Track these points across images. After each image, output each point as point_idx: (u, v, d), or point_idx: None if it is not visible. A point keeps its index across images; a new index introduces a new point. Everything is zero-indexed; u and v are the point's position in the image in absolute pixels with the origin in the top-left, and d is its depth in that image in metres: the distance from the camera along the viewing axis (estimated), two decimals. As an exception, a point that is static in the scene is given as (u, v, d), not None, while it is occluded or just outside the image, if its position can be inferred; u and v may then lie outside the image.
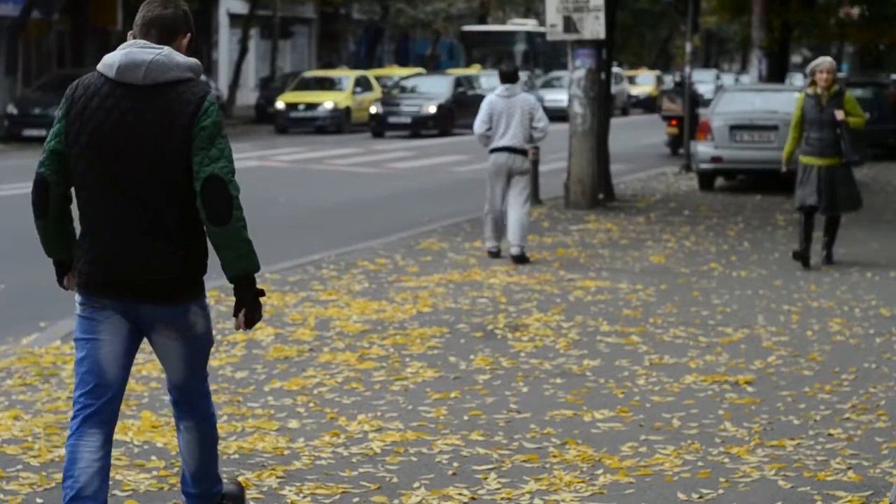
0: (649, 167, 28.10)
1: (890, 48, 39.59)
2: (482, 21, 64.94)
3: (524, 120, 14.12)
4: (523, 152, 14.25)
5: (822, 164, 13.56)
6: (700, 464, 6.93)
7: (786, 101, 22.88)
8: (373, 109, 39.45)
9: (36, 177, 5.35)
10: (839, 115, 13.44)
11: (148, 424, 7.53)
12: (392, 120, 39.40)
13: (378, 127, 39.27)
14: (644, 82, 63.95)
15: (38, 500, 6.26)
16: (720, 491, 6.48)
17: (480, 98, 41.09)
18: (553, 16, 19.37)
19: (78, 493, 5.31)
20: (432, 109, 39.40)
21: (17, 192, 22.12)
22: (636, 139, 37.14)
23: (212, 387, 8.44)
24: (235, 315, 5.40)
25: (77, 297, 5.42)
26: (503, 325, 10.62)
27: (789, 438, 7.38)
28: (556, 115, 45.43)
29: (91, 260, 5.31)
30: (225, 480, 6.04)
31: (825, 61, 13.63)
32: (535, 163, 20.51)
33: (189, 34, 5.46)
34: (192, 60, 5.39)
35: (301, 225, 18.18)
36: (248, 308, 5.35)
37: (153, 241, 5.24)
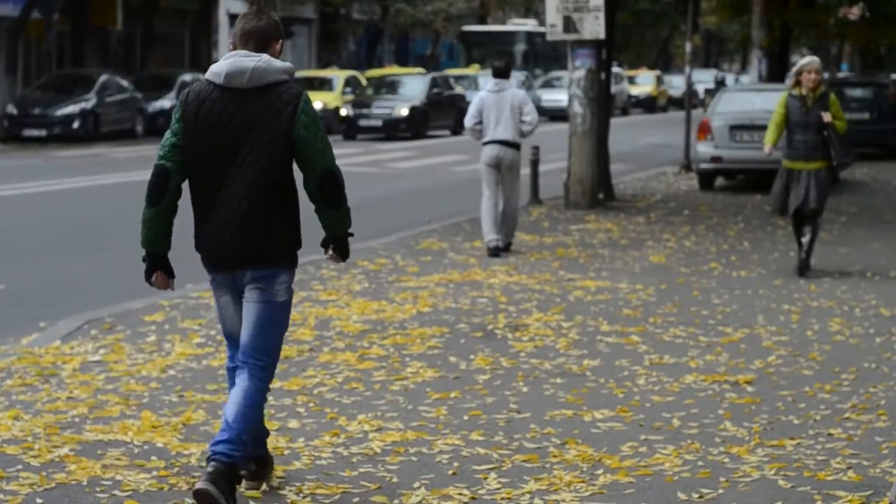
0: (649, 167, 28.10)
1: (890, 48, 39.61)
2: (482, 21, 64.94)
3: (514, 114, 14.54)
4: (514, 145, 14.65)
5: (808, 168, 13.10)
6: (700, 463, 6.93)
7: (786, 101, 22.90)
8: (343, 111, 38.15)
9: (156, 168, 6.13)
10: (826, 117, 12.99)
11: (148, 425, 7.53)
12: (363, 123, 37.92)
13: (349, 130, 37.94)
14: (644, 82, 63.94)
15: (38, 501, 6.26)
16: (720, 491, 6.48)
17: (457, 99, 40.22)
18: (553, 16, 19.37)
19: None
20: (404, 111, 37.87)
21: (18, 192, 22.12)
22: (636, 139, 37.15)
23: (211, 387, 8.47)
24: (326, 248, 6.42)
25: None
26: (503, 324, 10.62)
27: (789, 438, 7.38)
28: (556, 114, 45.45)
29: (207, 240, 6.20)
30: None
31: (813, 61, 13.13)
32: (535, 162, 20.57)
33: (280, 40, 6.27)
34: (287, 65, 6.20)
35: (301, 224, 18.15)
36: (343, 251, 6.42)
37: (257, 219, 6.12)
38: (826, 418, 7.85)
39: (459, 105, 38.28)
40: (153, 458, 6.93)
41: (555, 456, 7.04)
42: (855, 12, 33.40)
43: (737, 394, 8.45)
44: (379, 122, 37.62)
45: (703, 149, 22.61)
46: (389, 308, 11.28)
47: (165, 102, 37.71)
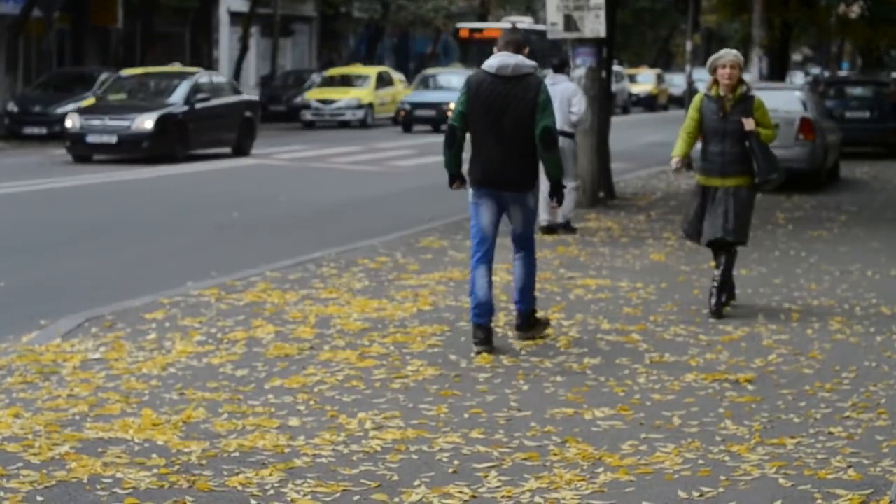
0: (650, 165, 28.09)
1: (890, 47, 39.61)
2: (482, 19, 64.81)
3: (563, 105, 16.13)
4: (564, 133, 16.00)
5: (726, 184, 11.00)
6: (700, 462, 6.93)
7: (786, 99, 22.90)
8: (68, 123, 28.61)
9: (449, 127, 9.64)
10: (748, 124, 10.84)
11: (148, 422, 7.53)
12: (92, 139, 28.07)
13: (74, 148, 28.34)
14: (644, 81, 63.96)
15: (39, 498, 6.26)
16: (720, 489, 6.48)
17: (240, 107, 31.83)
18: (554, 14, 19.35)
19: (479, 301, 9.57)
20: (148, 125, 28.28)
21: (19, 190, 22.12)
22: (637, 138, 37.14)
23: (211, 385, 8.48)
24: (552, 198, 9.83)
25: (470, 192, 9.68)
26: (503, 323, 10.62)
27: (790, 437, 7.38)
28: None
29: (478, 169, 9.64)
30: (539, 314, 10.14)
31: (728, 54, 10.92)
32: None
33: (527, 48, 9.77)
34: (533, 63, 9.66)
35: (302, 223, 18.18)
36: (559, 196, 9.78)
37: (513, 158, 9.57)
38: (826, 417, 7.85)
39: (244, 114, 31.23)
40: (153, 455, 6.93)
41: (555, 454, 7.04)
42: (855, 11, 33.41)
43: (737, 392, 8.45)
44: (113, 139, 28.14)
45: (704, 148, 22.55)
46: (390, 306, 11.28)
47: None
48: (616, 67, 45.27)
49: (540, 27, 53.75)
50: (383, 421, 7.69)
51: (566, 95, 16.33)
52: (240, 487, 6.45)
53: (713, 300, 10.97)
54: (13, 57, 38.23)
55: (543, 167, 9.59)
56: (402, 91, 45.51)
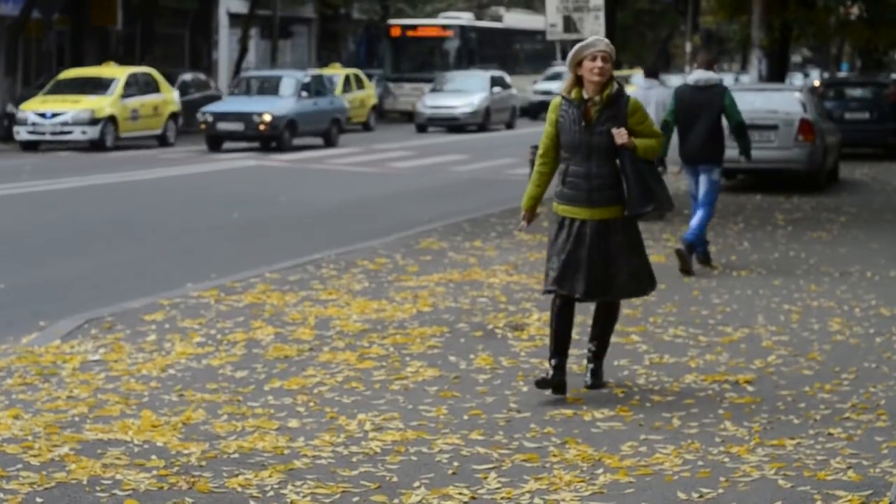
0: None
1: (889, 48, 39.60)
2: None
3: (658, 108, 17.87)
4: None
5: (594, 218, 8.24)
6: (700, 463, 6.93)
7: (786, 100, 22.90)
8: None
9: (663, 122, 13.55)
10: (620, 136, 8.15)
11: (148, 424, 7.53)
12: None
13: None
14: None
15: (38, 500, 6.26)
16: (720, 490, 6.48)
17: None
18: (553, 15, 19.36)
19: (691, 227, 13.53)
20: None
21: (18, 191, 22.12)
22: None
23: (211, 385, 8.47)
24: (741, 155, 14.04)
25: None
26: (503, 324, 10.62)
27: (789, 438, 7.38)
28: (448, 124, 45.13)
29: (685, 151, 13.69)
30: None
31: (600, 41, 8.25)
32: (534, 162, 20.57)
33: (714, 65, 13.80)
34: (720, 76, 13.33)
35: (301, 224, 18.18)
36: (747, 155, 14.04)
37: (707, 142, 13.54)
38: (826, 418, 7.85)
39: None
40: (153, 457, 6.93)
41: (555, 455, 7.04)
42: (854, 12, 33.41)
43: (737, 393, 8.45)
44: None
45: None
46: (389, 307, 11.28)
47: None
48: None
49: (481, 24, 52.66)
50: (383, 422, 7.69)
51: (661, 99, 18.17)
52: (239, 489, 6.45)
53: (588, 375, 8.56)
54: (13, 58, 38.21)
55: (739, 147, 13.85)
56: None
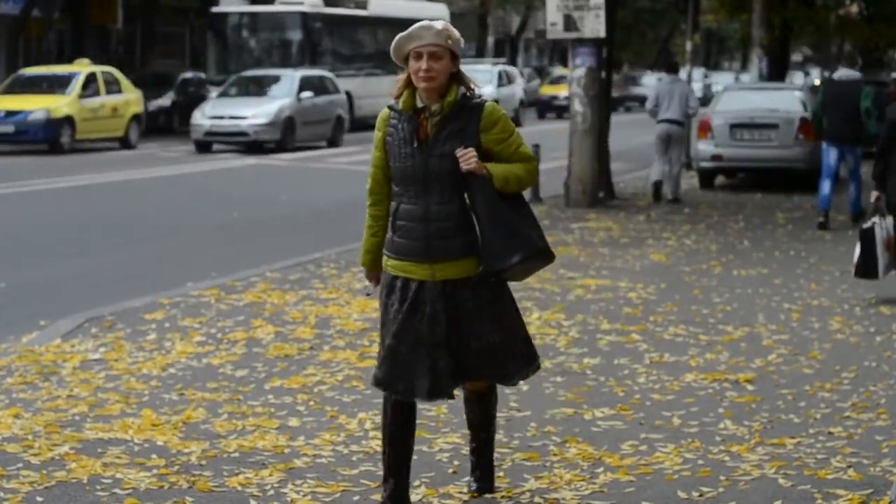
0: (650, 165, 28.03)
1: (889, 47, 39.59)
2: (482, 19, 64.61)
3: (682, 100, 20.23)
4: (680, 123, 20.68)
5: (432, 276, 5.79)
6: (700, 462, 6.93)
7: (786, 99, 22.92)
8: None
9: (812, 114, 16.49)
10: (466, 160, 5.64)
11: (148, 423, 7.53)
12: None
13: None
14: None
15: (39, 499, 6.26)
16: (720, 489, 6.48)
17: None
18: (553, 14, 19.36)
19: (822, 195, 17.18)
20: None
21: (18, 190, 22.12)
22: (637, 138, 37.10)
23: (211, 385, 8.47)
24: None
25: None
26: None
27: (789, 437, 7.38)
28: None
29: (829, 132, 16.71)
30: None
31: (428, 31, 5.65)
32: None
33: (858, 62, 17.54)
34: (858, 74, 16.39)
35: (302, 223, 18.18)
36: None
37: (853, 123, 16.63)
38: (826, 417, 7.85)
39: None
40: (153, 456, 6.93)
41: (555, 454, 7.04)
42: (854, 10, 33.43)
43: (737, 392, 8.45)
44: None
45: (704, 147, 22.65)
46: (390, 306, 11.26)
47: (166, 101, 37.68)
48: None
49: (333, 10, 39.97)
50: (383, 421, 7.68)
51: (684, 92, 20.49)
52: (239, 488, 6.45)
53: (472, 479, 6.38)
54: (13, 57, 38.21)
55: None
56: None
